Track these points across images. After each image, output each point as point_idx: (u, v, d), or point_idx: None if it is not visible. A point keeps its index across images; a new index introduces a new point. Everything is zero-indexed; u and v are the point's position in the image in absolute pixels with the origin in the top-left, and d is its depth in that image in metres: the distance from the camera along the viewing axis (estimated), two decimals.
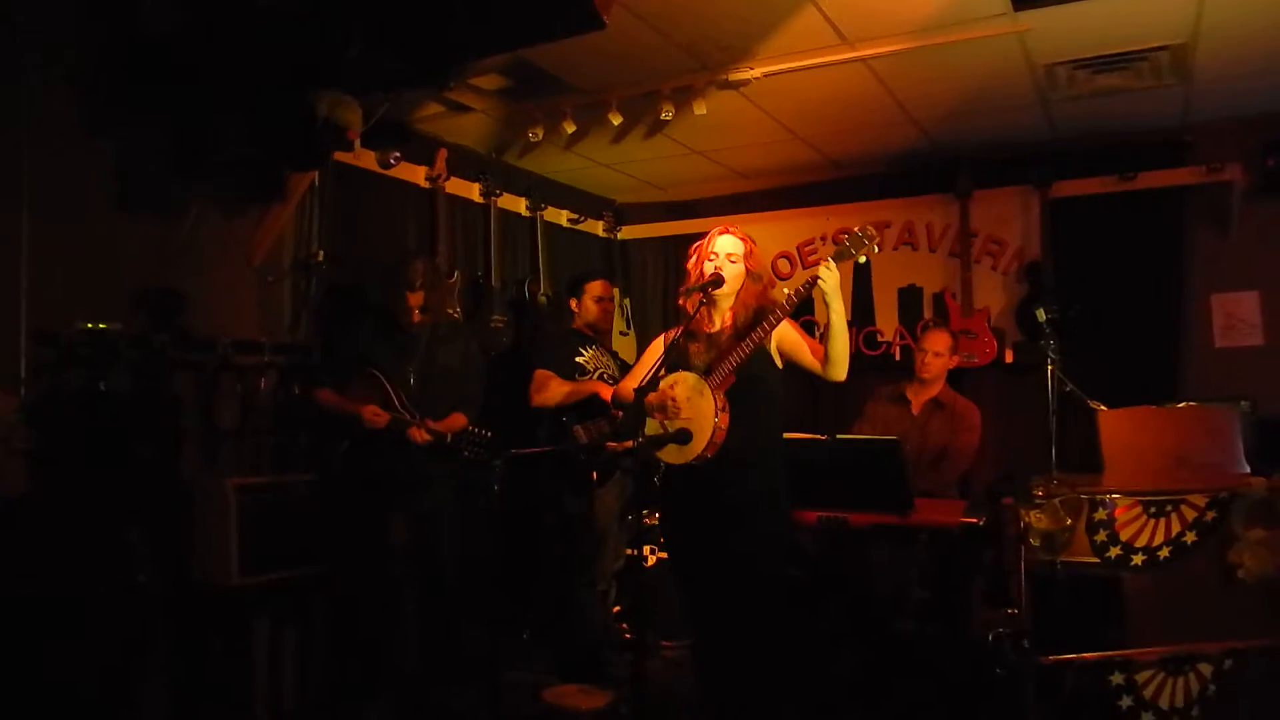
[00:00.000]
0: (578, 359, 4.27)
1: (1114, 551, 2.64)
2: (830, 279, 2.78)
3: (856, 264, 2.91)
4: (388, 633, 3.76)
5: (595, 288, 4.40)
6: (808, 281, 2.83)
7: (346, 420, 3.59)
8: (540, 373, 4.19)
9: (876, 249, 2.82)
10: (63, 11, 3.34)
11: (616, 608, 4.56)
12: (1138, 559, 2.62)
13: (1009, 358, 5.19)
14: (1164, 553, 2.61)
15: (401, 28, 2.70)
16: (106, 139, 3.48)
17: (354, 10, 2.76)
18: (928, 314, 5.46)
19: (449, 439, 3.59)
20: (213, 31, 2.94)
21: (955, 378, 5.19)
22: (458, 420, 3.69)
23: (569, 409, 4.15)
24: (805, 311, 5.09)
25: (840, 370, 2.93)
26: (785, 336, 3.01)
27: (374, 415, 3.56)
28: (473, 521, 4.17)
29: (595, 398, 4.10)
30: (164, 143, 3.58)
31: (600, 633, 4.23)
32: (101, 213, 3.48)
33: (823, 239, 5.80)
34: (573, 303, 4.42)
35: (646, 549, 4.64)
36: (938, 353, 4.39)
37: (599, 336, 4.46)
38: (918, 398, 4.44)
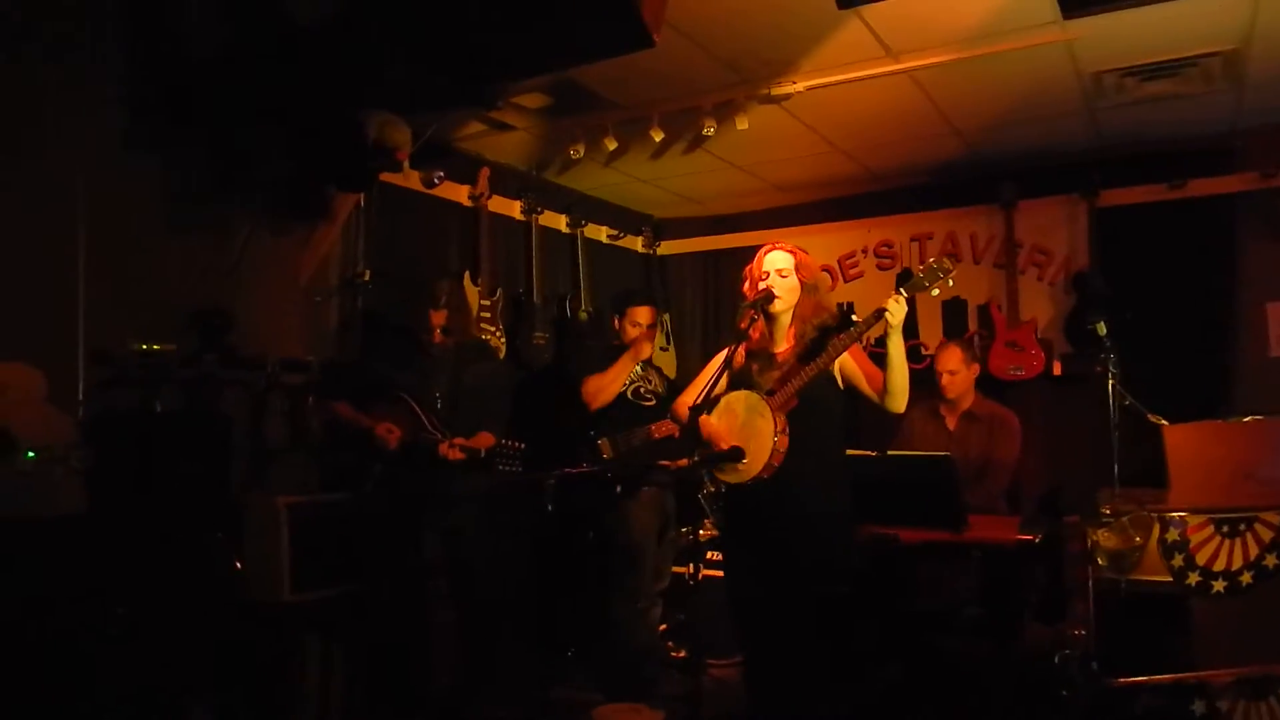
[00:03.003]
0: None
1: (1193, 578, 2.57)
2: (898, 313, 2.75)
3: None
4: (423, 650, 3.76)
5: (636, 313, 4.29)
6: (876, 312, 2.78)
7: (367, 437, 3.61)
8: (589, 380, 4.19)
9: (951, 283, 2.76)
10: (114, 36, 3.40)
11: (663, 625, 4.53)
12: (1219, 584, 2.54)
13: (1057, 369, 5.11)
14: (1245, 578, 2.53)
15: (452, 48, 2.72)
16: (159, 162, 3.53)
17: (401, 30, 2.78)
18: (973, 326, 5.39)
19: (482, 454, 3.59)
20: (260, 52, 2.97)
21: (1002, 390, 5.14)
22: (485, 439, 3.69)
23: (599, 425, 4.16)
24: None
25: (899, 402, 2.90)
26: (847, 363, 2.98)
27: (385, 432, 3.57)
28: (513, 538, 4.17)
29: (636, 418, 4.11)
30: (215, 164, 3.63)
31: (642, 650, 4.19)
32: (154, 234, 3.53)
33: (864, 251, 5.76)
34: (615, 319, 4.41)
35: (692, 566, 4.60)
36: (952, 371, 4.32)
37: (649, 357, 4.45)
38: (952, 413, 4.37)
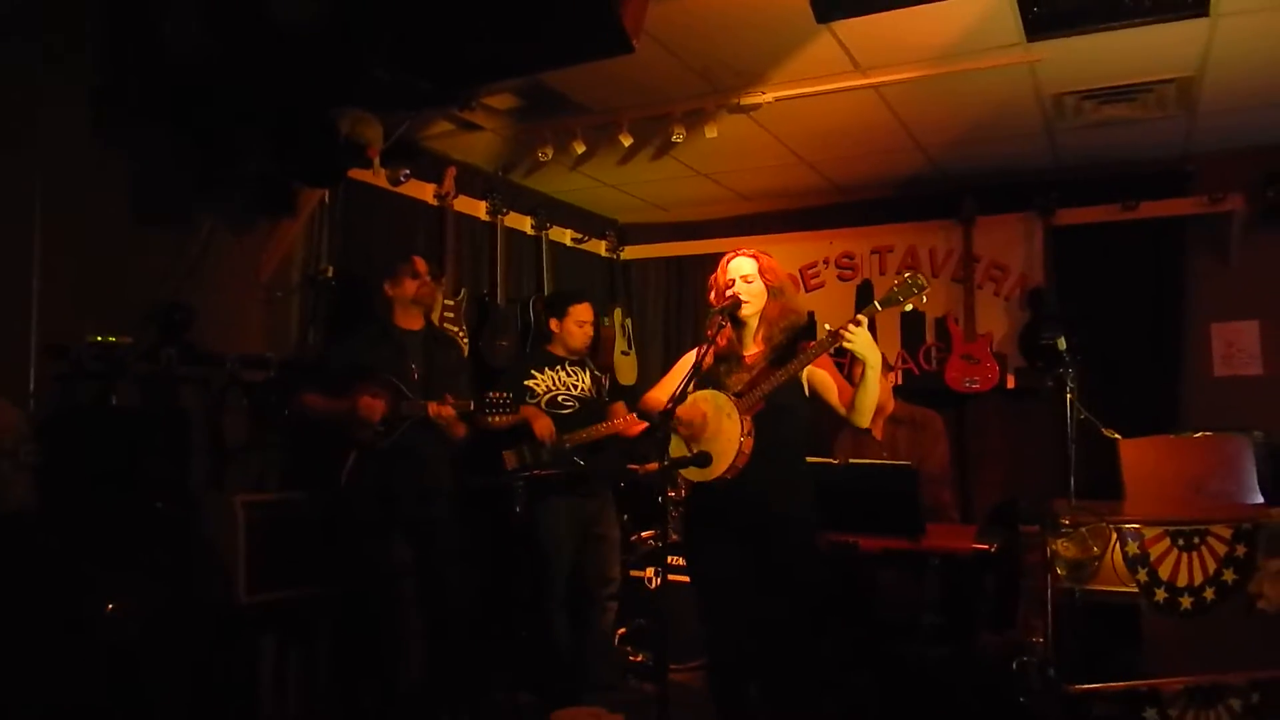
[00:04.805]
0: (527, 381, 4.23)
1: (1160, 594, 2.63)
2: (857, 338, 2.70)
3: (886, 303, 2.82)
4: (392, 650, 3.72)
5: (578, 310, 4.33)
6: (831, 335, 2.74)
7: (343, 427, 3.55)
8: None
9: (925, 299, 2.74)
10: (83, 27, 3.33)
11: (622, 629, 4.53)
12: (1185, 601, 2.61)
13: (1010, 383, 5.22)
14: (1209, 594, 2.60)
15: (431, 49, 2.71)
16: (121, 153, 3.46)
17: (382, 31, 2.76)
18: (930, 339, 5.49)
19: (471, 407, 3.58)
20: (238, 52, 2.92)
21: (958, 402, 5.25)
22: (460, 428, 3.68)
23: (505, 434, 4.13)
24: None
25: (863, 418, 2.90)
26: (818, 373, 2.98)
27: (368, 405, 3.50)
28: (478, 540, 4.14)
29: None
30: (179, 157, 3.57)
31: (566, 653, 4.15)
32: (115, 227, 3.46)
33: (825, 262, 5.83)
34: (553, 323, 4.35)
35: (650, 571, 4.62)
36: None
37: (583, 357, 4.41)
38: (875, 423, 4.42)
